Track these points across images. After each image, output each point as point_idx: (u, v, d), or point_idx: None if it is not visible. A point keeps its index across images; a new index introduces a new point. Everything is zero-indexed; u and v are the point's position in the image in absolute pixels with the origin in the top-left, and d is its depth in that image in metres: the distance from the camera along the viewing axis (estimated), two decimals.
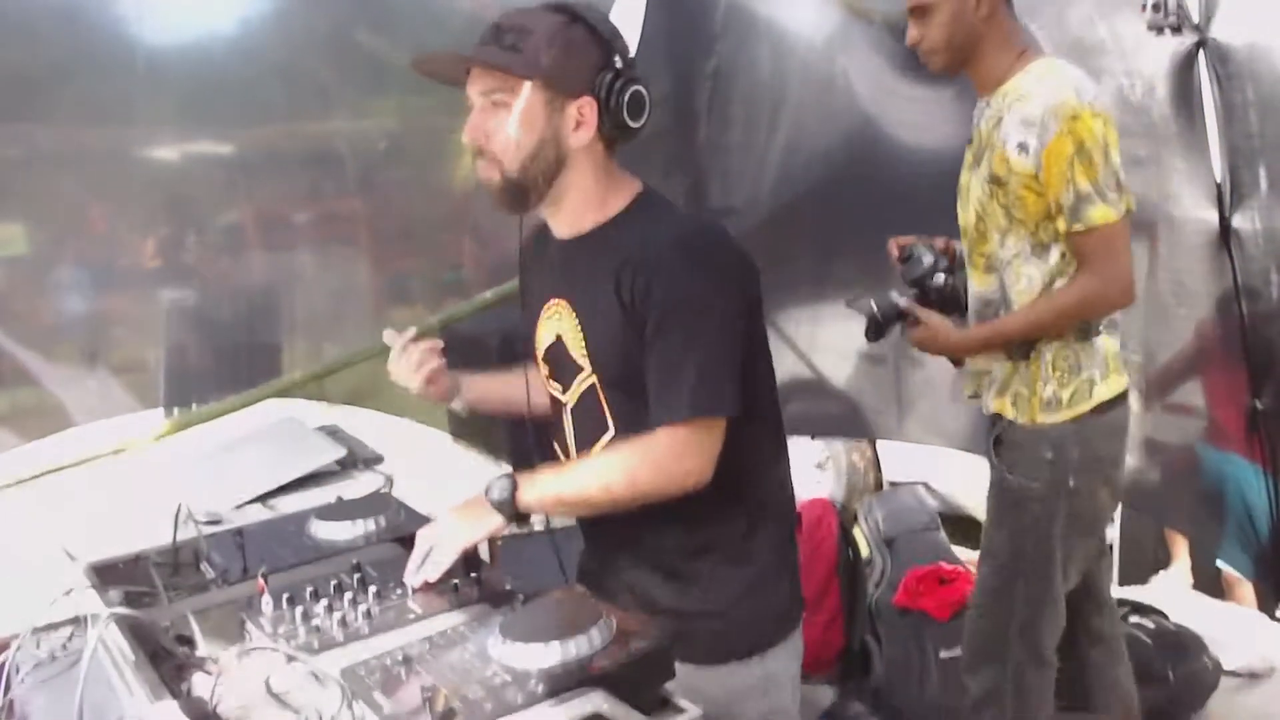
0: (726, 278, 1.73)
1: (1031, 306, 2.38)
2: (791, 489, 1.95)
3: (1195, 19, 2.75)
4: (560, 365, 1.85)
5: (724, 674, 1.78)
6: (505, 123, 1.69)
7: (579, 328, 1.79)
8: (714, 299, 1.70)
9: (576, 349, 1.80)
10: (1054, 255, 2.37)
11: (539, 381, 1.96)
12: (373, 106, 3.65)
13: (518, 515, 1.73)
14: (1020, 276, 2.40)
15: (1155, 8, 2.67)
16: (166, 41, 3.03)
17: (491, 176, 1.73)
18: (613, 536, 1.89)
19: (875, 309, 2.48)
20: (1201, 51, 2.79)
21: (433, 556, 1.71)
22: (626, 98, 1.71)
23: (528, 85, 1.68)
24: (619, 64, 1.71)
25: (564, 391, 1.86)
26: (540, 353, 1.89)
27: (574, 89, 1.69)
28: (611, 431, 1.80)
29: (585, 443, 1.85)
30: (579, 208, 1.79)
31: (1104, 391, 2.43)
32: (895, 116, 3.54)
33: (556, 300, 1.83)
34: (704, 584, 1.81)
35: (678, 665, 1.45)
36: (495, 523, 1.72)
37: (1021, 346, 2.42)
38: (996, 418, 2.52)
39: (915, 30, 2.38)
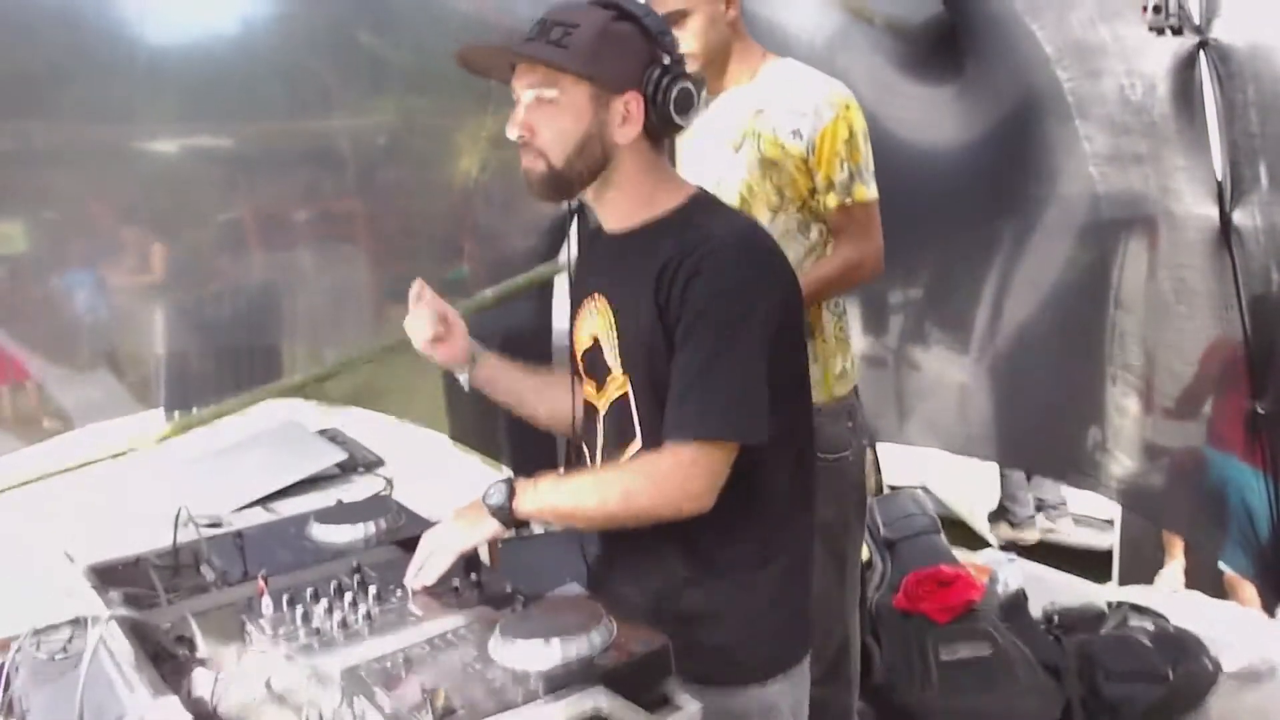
0: (771, 290, 1.69)
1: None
2: (812, 517, 1.88)
3: (1196, 20, 2.74)
4: (596, 367, 1.82)
5: (720, 696, 1.69)
6: (551, 117, 1.68)
7: (613, 326, 1.76)
8: (754, 310, 1.65)
9: (610, 350, 1.77)
10: (814, 233, 2.55)
11: (565, 385, 1.96)
12: (373, 106, 3.64)
13: (514, 521, 1.71)
14: (788, 249, 2.49)
15: (1156, 9, 2.68)
16: (167, 41, 3.02)
17: (535, 167, 1.71)
18: (623, 552, 1.86)
19: None
20: (1202, 52, 2.79)
21: (430, 560, 1.71)
22: (674, 94, 1.68)
23: (574, 80, 1.66)
24: (666, 60, 1.69)
25: (598, 394, 1.83)
26: (579, 352, 1.86)
27: (621, 84, 1.67)
28: (638, 442, 1.76)
29: (613, 451, 1.81)
30: (626, 204, 1.76)
31: (857, 359, 2.71)
32: (895, 115, 3.54)
33: (597, 296, 1.81)
34: (709, 610, 1.76)
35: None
36: (491, 528, 1.71)
37: None
38: None
39: None
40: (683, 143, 2.68)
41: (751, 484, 1.71)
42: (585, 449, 1.90)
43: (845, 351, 2.61)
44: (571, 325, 1.89)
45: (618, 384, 1.78)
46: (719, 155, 2.57)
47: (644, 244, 1.74)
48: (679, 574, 1.77)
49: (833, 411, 2.56)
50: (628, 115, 1.68)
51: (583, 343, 1.84)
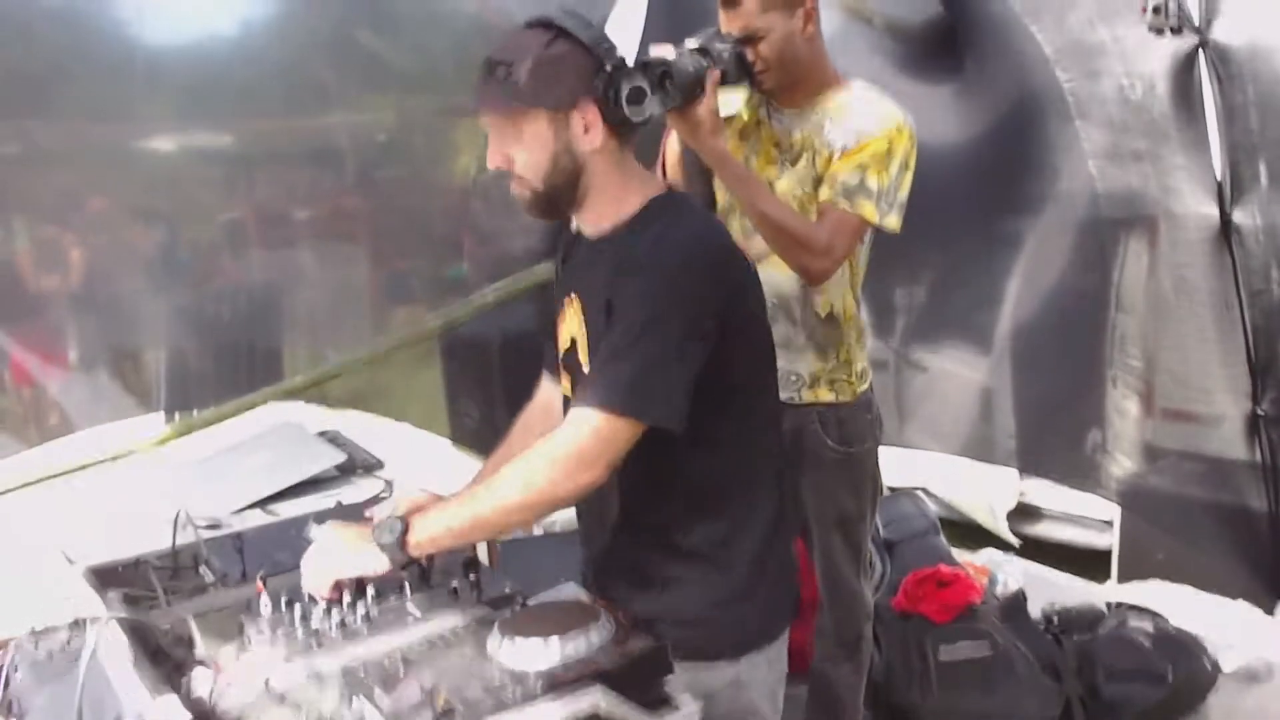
0: (714, 287, 1.71)
1: (776, 201, 2.40)
2: (791, 496, 1.92)
3: (1196, 21, 2.75)
4: (573, 366, 1.87)
5: (689, 673, 1.67)
6: (519, 149, 1.76)
7: (583, 326, 1.82)
8: (685, 304, 1.68)
9: (583, 349, 1.82)
10: (862, 252, 2.53)
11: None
12: (372, 105, 3.65)
13: (409, 559, 1.66)
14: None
15: (1156, 10, 2.69)
16: (166, 41, 3.03)
17: (523, 192, 1.79)
18: (597, 543, 1.91)
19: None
20: (1202, 52, 2.80)
21: (307, 585, 1.67)
22: (625, 93, 1.76)
23: (527, 111, 1.73)
24: (608, 65, 1.75)
25: (574, 391, 1.87)
26: (561, 353, 1.91)
27: (571, 99, 1.73)
28: None
29: None
30: (600, 208, 1.81)
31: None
32: None
33: (572, 297, 1.86)
34: (676, 591, 1.80)
35: None
36: (381, 564, 1.66)
37: (826, 340, 2.53)
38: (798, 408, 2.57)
39: (750, 53, 2.42)
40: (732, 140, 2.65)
41: (714, 464, 1.77)
42: None
43: (862, 354, 2.64)
44: (557, 326, 1.94)
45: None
46: (773, 164, 2.55)
47: (610, 247, 1.80)
48: (652, 548, 1.82)
49: (856, 406, 2.60)
50: (588, 124, 1.75)
51: (564, 344, 1.90)
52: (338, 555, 1.69)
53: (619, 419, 1.64)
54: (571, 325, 1.86)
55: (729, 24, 2.41)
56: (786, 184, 2.51)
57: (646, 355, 1.66)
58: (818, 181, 2.45)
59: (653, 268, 1.69)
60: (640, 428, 1.65)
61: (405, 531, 1.65)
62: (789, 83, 2.48)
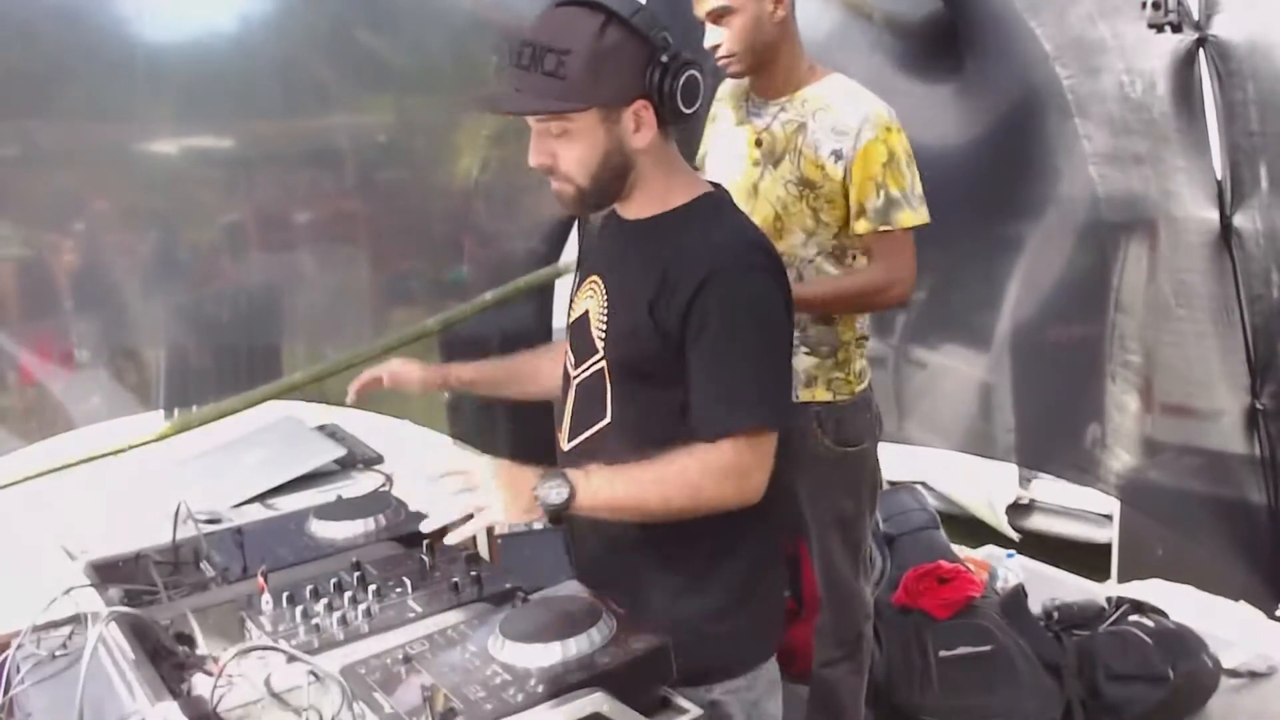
0: (783, 285, 1.74)
1: (821, 283, 2.48)
2: (774, 524, 1.87)
3: (1195, 17, 2.75)
4: (580, 340, 1.84)
5: None
6: (567, 147, 1.69)
7: (604, 310, 1.79)
8: (776, 304, 1.71)
9: (597, 329, 1.79)
10: (848, 259, 2.53)
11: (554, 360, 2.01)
12: (372, 105, 3.64)
13: (565, 517, 1.67)
14: (821, 273, 2.52)
15: (1155, 5, 2.67)
16: (165, 39, 3.03)
17: (565, 190, 1.73)
18: (583, 555, 1.89)
19: None
20: (1202, 49, 2.79)
21: (469, 524, 1.62)
22: (680, 88, 1.68)
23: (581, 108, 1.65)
24: (664, 57, 1.67)
25: (576, 366, 1.85)
26: (570, 322, 1.89)
27: (627, 95, 1.67)
28: (607, 420, 1.78)
29: (581, 424, 1.83)
30: (644, 197, 1.78)
31: None
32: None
33: (594, 277, 1.84)
34: (657, 604, 1.75)
35: None
36: (536, 515, 1.64)
37: (821, 339, 2.54)
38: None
39: (713, 35, 2.42)
40: (716, 142, 2.66)
41: None
42: (556, 414, 1.92)
43: (863, 352, 2.63)
44: (572, 297, 1.92)
45: (597, 363, 1.80)
46: (757, 165, 2.54)
47: (649, 236, 1.76)
48: (636, 571, 1.78)
49: (855, 405, 2.60)
50: (640, 122, 1.69)
51: (575, 313, 1.87)
52: (503, 502, 1.61)
53: (767, 434, 1.67)
54: (588, 302, 1.84)
55: (699, 4, 2.42)
56: (769, 184, 2.50)
57: (764, 365, 1.68)
58: (803, 184, 2.45)
59: (743, 265, 1.68)
60: (776, 435, 1.69)
61: (571, 496, 1.61)
62: (758, 66, 2.47)
